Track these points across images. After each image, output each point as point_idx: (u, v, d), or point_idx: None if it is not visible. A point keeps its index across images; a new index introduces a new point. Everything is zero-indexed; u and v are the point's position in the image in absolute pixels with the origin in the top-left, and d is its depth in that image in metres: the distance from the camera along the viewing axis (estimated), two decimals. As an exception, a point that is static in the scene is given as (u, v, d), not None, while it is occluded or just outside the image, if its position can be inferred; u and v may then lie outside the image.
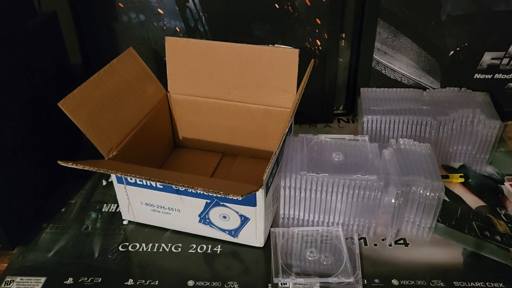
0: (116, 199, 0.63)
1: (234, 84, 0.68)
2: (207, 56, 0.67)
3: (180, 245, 0.61)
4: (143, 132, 0.65)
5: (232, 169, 0.73)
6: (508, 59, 0.77)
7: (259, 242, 0.59)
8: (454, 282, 0.55)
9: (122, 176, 0.57)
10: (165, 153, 0.75)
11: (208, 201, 0.57)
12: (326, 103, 0.84)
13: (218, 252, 0.60)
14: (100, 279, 0.57)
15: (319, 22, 0.74)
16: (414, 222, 0.60)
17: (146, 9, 0.73)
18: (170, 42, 0.68)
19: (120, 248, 0.61)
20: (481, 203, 0.67)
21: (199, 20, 0.74)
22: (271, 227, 0.62)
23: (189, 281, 0.56)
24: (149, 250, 0.61)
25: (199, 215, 0.59)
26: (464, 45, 0.76)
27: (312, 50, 0.77)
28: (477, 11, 0.72)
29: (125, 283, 0.56)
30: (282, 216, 0.62)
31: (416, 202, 0.58)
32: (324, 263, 0.57)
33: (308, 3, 0.72)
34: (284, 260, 0.57)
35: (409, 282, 0.55)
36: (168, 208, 0.60)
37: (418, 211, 0.59)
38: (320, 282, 0.55)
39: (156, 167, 0.72)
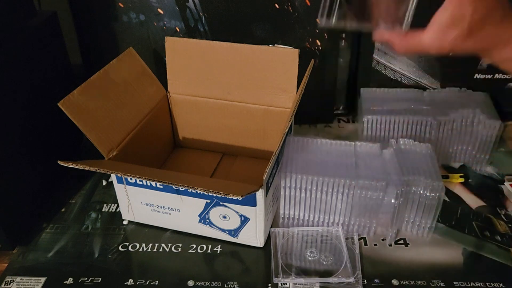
0: (116, 199, 0.63)
1: (234, 84, 0.68)
2: (207, 56, 0.67)
3: (180, 245, 0.61)
4: (143, 132, 0.65)
5: (232, 169, 0.73)
6: (508, 59, 0.76)
7: (259, 242, 0.59)
8: (454, 282, 0.55)
9: (122, 176, 0.57)
10: (165, 153, 0.75)
11: (208, 201, 0.57)
12: (326, 103, 0.84)
13: (218, 252, 0.60)
14: (100, 279, 0.57)
15: (319, 22, 0.74)
16: (414, 222, 0.60)
17: (146, 9, 0.73)
18: (170, 42, 0.68)
19: (120, 248, 0.61)
20: (481, 203, 0.67)
21: (199, 20, 0.74)
22: (271, 227, 0.62)
23: (189, 281, 0.56)
24: (149, 250, 0.61)
25: (199, 215, 0.59)
26: (464, 45, 0.76)
27: (312, 50, 0.77)
28: (477, 11, 0.72)
29: (125, 283, 0.56)
30: (282, 216, 0.62)
31: (416, 202, 0.58)
32: (324, 263, 0.57)
33: (308, 3, 0.72)
34: (284, 260, 0.57)
35: (409, 282, 0.55)
36: (168, 208, 0.60)
37: (418, 211, 0.59)
38: (320, 282, 0.55)
39: (156, 167, 0.72)
